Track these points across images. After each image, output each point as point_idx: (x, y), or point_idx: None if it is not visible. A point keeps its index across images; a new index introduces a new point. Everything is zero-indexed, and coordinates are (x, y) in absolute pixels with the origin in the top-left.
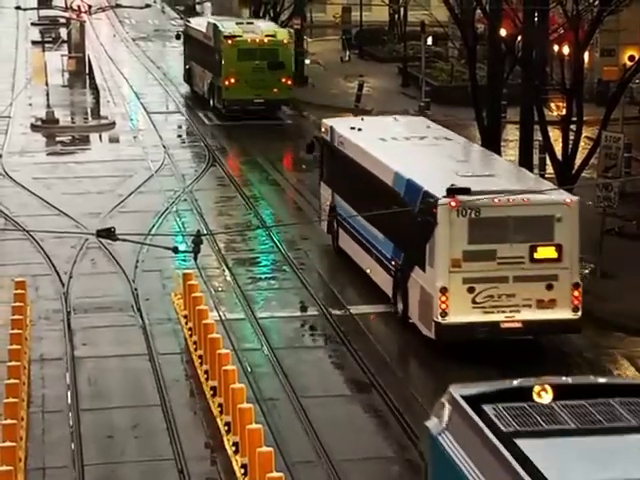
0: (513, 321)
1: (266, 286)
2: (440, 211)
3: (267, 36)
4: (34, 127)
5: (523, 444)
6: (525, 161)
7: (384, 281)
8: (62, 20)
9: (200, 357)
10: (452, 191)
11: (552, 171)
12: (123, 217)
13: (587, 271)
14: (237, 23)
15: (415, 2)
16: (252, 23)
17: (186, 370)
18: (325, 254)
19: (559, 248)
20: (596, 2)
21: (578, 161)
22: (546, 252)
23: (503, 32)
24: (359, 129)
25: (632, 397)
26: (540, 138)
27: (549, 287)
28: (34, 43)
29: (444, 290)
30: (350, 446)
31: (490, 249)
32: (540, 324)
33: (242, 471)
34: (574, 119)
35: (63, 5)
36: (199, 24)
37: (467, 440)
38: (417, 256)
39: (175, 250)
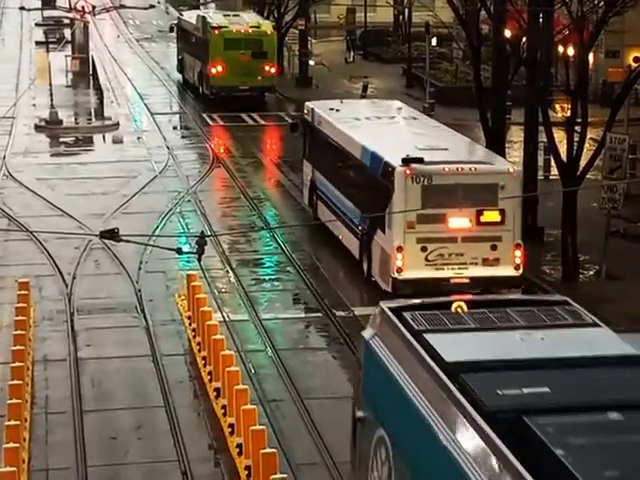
0: (461, 277)
1: (270, 287)
2: (397, 178)
3: (252, 27)
4: (38, 128)
5: (429, 337)
6: (530, 162)
7: (353, 245)
8: (66, 21)
9: (204, 358)
10: (407, 160)
11: (557, 172)
12: (127, 218)
13: (592, 273)
14: (224, 15)
15: (420, 3)
16: (238, 15)
17: (190, 371)
18: (329, 255)
19: (502, 212)
20: (601, 3)
21: (583, 162)
22: (491, 216)
23: (508, 33)
24: (337, 110)
25: (527, 307)
26: (545, 139)
27: (493, 247)
28: (38, 44)
29: (400, 249)
30: None
31: (441, 213)
32: (485, 280)
33: (246, 473)
34: (579, 120)
35: (67, 6)
36: (190, 17)
37: (389, 340)
38: (379, 220)
39: (179, 251)
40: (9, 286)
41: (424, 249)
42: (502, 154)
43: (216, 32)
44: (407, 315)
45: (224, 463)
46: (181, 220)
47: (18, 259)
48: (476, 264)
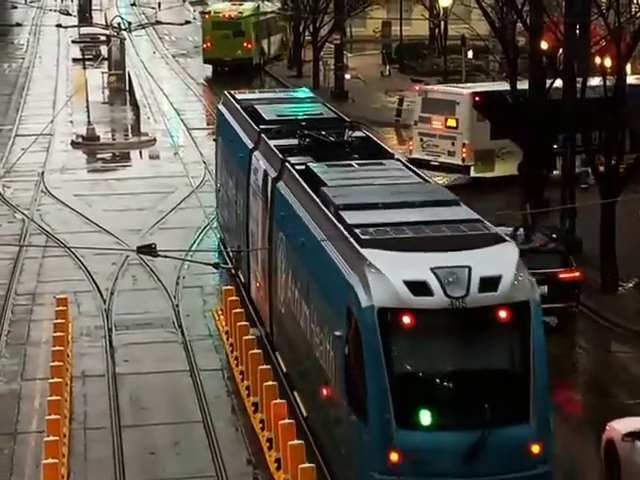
0: (437, 161)
1: None
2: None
3: (234, 13)
4: (75, 144)
5: (238, 95)
6: (568, 174)
7: None
8: (102, 37)
9: (241, 373)
10: (414, 80)
11: (596, 183)
12: (164, 233)
13: (631, 285)
14: (230, 2)
15: (455, 16)
16: (241, 4)
17: (227, 386)
18: None
19: (457, 120)
20: (638, 14)
21: None
22: (451, 122)
23: (544, 45)
24: None
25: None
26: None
27: (452, 144)
28: (75, 60)
29: (410, 139)
30: None
31: (429, 116)
32: (447, 165)
33: None
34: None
35: (103, 23)
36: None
37: (229, 108)
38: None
39: (216, 266)
40: (47, 302)
41: (422, 140)
42: (540, 165)
43: (206, 17)
44: (233, 93)
45: (262, 478)
46: (218, 235)
47: (56, 275)
48: (445, 154)
